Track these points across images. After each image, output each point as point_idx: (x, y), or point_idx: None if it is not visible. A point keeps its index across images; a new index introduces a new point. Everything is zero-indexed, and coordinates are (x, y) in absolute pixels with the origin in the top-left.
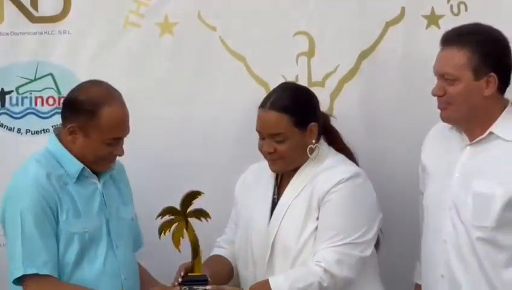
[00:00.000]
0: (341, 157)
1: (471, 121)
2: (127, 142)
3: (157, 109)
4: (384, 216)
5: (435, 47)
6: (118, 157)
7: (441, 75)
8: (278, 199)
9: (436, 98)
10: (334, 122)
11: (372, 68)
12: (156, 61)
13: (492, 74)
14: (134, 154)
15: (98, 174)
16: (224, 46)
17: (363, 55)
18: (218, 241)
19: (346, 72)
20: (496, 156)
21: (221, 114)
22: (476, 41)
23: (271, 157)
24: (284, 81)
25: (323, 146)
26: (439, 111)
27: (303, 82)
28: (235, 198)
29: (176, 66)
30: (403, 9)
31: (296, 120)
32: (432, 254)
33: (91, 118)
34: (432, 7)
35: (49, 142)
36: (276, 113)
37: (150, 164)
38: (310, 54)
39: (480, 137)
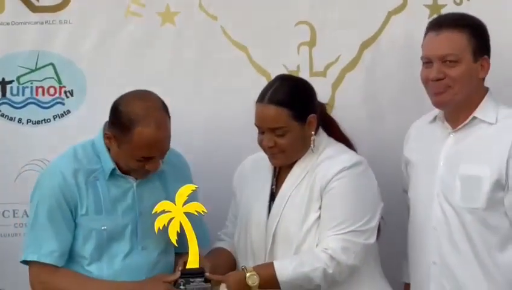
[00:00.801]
0: (341, 146)
1: (461, 106)
2: None
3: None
4: (384, 206)
5: None
6: (182, 153)
7: (441, 58)
8: (277, 190)
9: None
10: (335, 112)
11: (374, 58)
12: (157, 50)
13: (486, 56)
14: None
15: None
16: (225, 36)
17: (365, 45)
18: (219, 234)
19: (348, 62)
20: (480, 139)
21: (222, 103)
22: (472, 25)
23: (271, 151)
24: (283, 72)
25: (322, 136)
26: None
27: (304, 72)
28: (233, 189)
29: (177, 56)
30: None
31: (295, 113)
32: (421, 243)
33: (124, 133)
34: None
35: (98, 134)
36: (275, 107)
37: None
38: (312, 43)
39: (464, 123)
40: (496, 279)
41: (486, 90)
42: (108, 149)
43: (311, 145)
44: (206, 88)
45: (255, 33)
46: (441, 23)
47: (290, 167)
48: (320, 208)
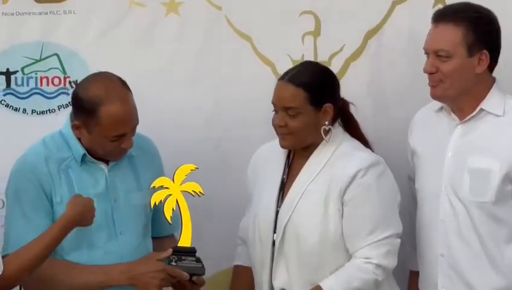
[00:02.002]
0: (357, 143)
1: (462, 99)
2: None
3: (163, 89)
4: None
5: None
6: (152, 140)
7: (434, 52)
8: (288, 180)
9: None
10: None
11: (378, 48)
12: (162, 41)
13: (484, 51)
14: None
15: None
16: (229, 26)
17: (370, 34)
18: (239, 236)
19: (353, 51)
20: (488, 132)
21: (226, 94)
22: (470, 19)
23: (281, 131)
24: (287, 62)
25: (338, 130)
26: None
27: None
28: (247, 182)
29: (182, 46)
30: None
31: (311, 97)
32: (429, 235)
33: (91, 117)
34: None
35: (65, 124)
36: (293, 87)
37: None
38: (316, 33)
39: (471, 114)
40: (504, 272)
41: (493, 81)
42: (79, 139)
43: (329, 135)
44: (210, 78)
45: (260, 23)
46: (439, 16)
47: (303, 156)
48: (340, 209)
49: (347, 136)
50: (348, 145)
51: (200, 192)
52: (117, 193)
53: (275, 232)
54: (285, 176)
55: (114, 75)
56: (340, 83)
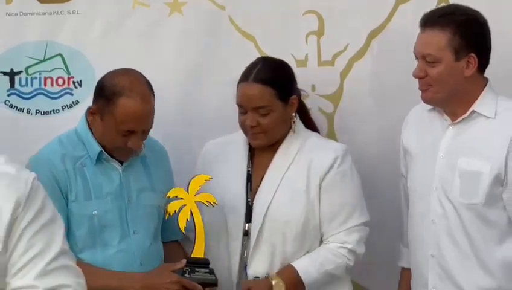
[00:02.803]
0: (316, 134)
1: (453, 102)
2: None
3: (166, 88)
4: (390, 192)
5: None
6: (161, 142)
7: (422, 57)
8: (255, 172)
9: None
10: (343, 101)
11: (382, 47)
12: (165, 41)
13: (472, 54)
14: None
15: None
16: (233, 26)
17: (373, 34)
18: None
19: (356, 51)
20: (480, 134)
21: (230, 93)
22: (456, 22)
23: (254, 131)
24: (291, 61)
25: (297, 119)
26: None
27: (313, 61)
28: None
29: (185, 46)
30: None
31: (279, 93)
32: (420, 235)
33: (108, 104)
34: None
35: (79, 122)
36: (260, 85)
37: (161, 137)
38: (320, 33)
39: (463, 116)
40: (493, 272)
41: (486, 82)
42: (92, 133)
43: (292, 127)
44: (213, 78)
45: (263, 23)
46: (426, 21)
47: (269, 150)
48: (318, 197)
49: (303, 127)
50: (315, 136)
51: (213, 202)
52: (130, 192)
53: (247, 221)
54: (249, 169)
55: (144, 77)
56: (344, 82)
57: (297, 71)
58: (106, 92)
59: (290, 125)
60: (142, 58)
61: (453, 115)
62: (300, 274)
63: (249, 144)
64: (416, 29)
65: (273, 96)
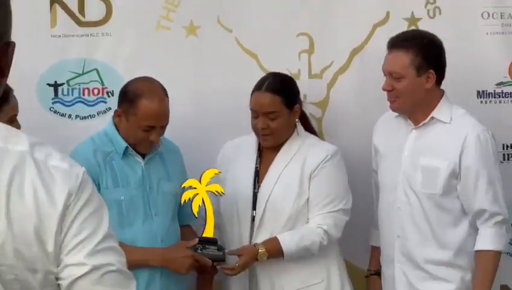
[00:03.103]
0: (316, 137)
1: (415, 110)
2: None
3: (184, 97)
4: (368, 184)
5: None
6: (179, 143)
7: (390, 74)
8: (262, 168)
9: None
10: (329, 108)
11: (362, 63)
12: (183, 58)
13: (431, 70)
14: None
15: (144, 154)
16: (239, 45)
17: (355, 52)
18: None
19: (340, 66)
20: (438, 136)
21: (236, 102)
22: (418, 45)
23: (264, 132)
24: (287, 74)
25: (299, 125)
26: None
27: (304, 75)
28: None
29: (200, 62)
30: (387, 14)
31: (286, 101)
32: (389, 220)
33: (131, 106)
34: (412, 11)
35: (108, 124)
36: (271, 94)
37: (179, 139)
38: (310, 51)
39: (424, 122)
40: (448, 248)
41: (442, 93)
42: (117, 131)
43: (296, 131)
44: (223, 88)
45: (264, 43)
46: (392, 44)
47: (274, 150)
48: (308, 188)
49: (304, 131)
50: (312, 139)
51: (221, 192)
52: (151, 181)
53: (254, 209)
54: (258, 165)
55: (159, 83)
56: (330, 92)
57: None
58: (129, 95)
59: (293, 130)
60: (164, 72)
61: (416, 121)
62: (282, 245)
63: (259, 143)
64: None
65: (281, 104)
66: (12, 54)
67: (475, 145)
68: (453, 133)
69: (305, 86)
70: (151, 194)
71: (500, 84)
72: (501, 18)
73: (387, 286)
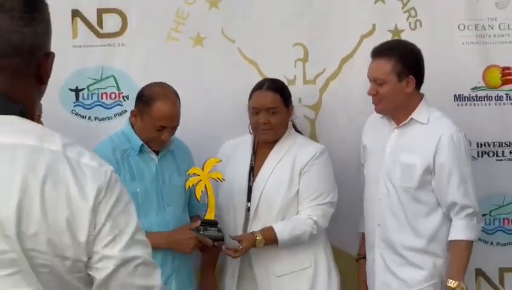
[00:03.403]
0: (304, 136)
1: (397, 111)
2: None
3: (192, 100)
4: (357, 178)
5: None
6: (183, 139)
7: (374, 79)
8: (257, 164)
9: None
10: (322, 111)
11: (351, 70)
12: (191, 65)
13: (411, 76)
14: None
15: (157, 151)
16: (241, 54)
17: (344, 60)
18: None
19: (331, 73)
20: (415, 135)
21: (238, 105)
22: (398, 53)
23: (264, 127)
24: (285, 80)
25: (290, 125)
26: None
27: (299, 81)
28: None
29: (205, 70)
30: (374, 26)
31: (284, 99)
32: (371, 210)
33: (147, 107)
34: (396, 24)
35: (125, 124)
36: (272, 92)
37: (187, 136)
38: (305, 59)
39: (404, 122)
40: (422, 236)
41: (422, 96)
42: (133, 129)
43: (289, 128)
44: (226, 93)
45: (263, 52)
46: (375, 52)
47: (267, 147)
48: (298, 183)
49: (294, 131)
50: (302, 138)
51: (221, 179)
52: (164, 176)
53: (248, 201)
54: (253, 162)
55: (172, 88)
56: (323, 96)
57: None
58: (145, 98)
59: (287, 128)
60: (173, 78)
61: (398, 121)
62: (276, 234)
63: (254, 143)
64: None
65: (280, 102)
66: (52, 63)
67: (448, 144)
68: (430, 133)
69: (300, 91)
70: (164, 188)
71: (474, 88)
72: (475, 29)
73: (369, 268)
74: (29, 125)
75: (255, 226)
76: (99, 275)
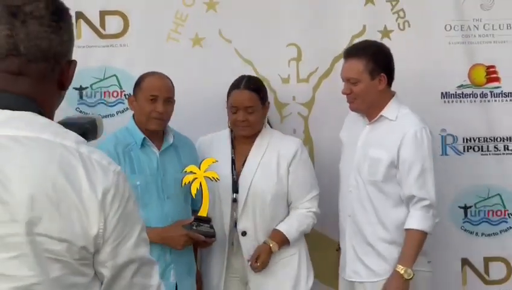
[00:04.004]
0: (277, 131)
1: (370, 109)
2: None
3: (191, 97)
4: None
5: None
6: (190, 138)
7: (347, 79)
8: (238, 157)
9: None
10: (315, 108)
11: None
12: (190, 65)
13: (382, 74)
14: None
15: (159, 146)
16: (237, 54)
17: (336, 59)
18: None
19: (324, 71)
20: (383, 131)
21: None
22: (369, 53)
23: (243, 124)
24: (278, 79)
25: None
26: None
27: (293, 79)
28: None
29: (204, 69)
30: (364, 26)
31: (260, 98)
32: (343, 202)
33: (138, 87)
34: (385, 24)
35: (129, 120)
36: (249, 91)
37: (186, 132)
38: (298, 59)
39: (375, 119)
40: (389, 227)
41: (393, 94)
42: (136, 124)
43: (265, 124)
44: (224, 90)
45: (258, 52)
46: (347, 53)
47: (246, 142)
48: (286, 176)
49: (268, 126)
50: (276, 133)
51: (217, 178)
52: (165, 169)
53: (234, 192)
54: (233, 155)
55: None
56: (315, 94)
57: (282, 86)
58: (137, 81)
59: (263, 123)
60: (173, 77)
61: (370, 118)
62: (287, 236)
63: (231, 138)
64: None
65: (257, 100)
66: (74, 71)
67: (411, 140)
68: (396, 129)
69: (293, 89)
70: (165, 181)
71: (460, 86)
72: (461, 30)
73: (342, 257)
74: (45, 121)
75: (245, 218)
76: (106, 273)
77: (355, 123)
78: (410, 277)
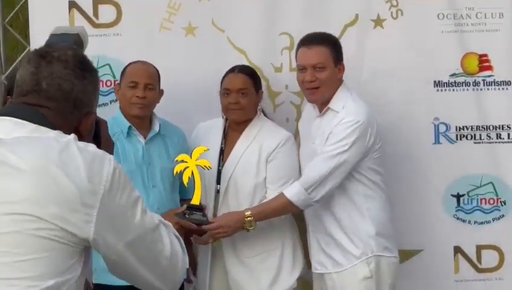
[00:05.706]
0: (272, 122)
1: (326, 100)
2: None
3: (184, 86)
4: None
5: (379, 42)
6: (181, 128)
7: (313, 66)
8: (226, 147)
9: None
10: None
11: None
12: (183, 54)
13: (342, 62)
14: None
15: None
16: (230, 43)
17: None
18: None
19: None
20: (326, 125)
21: None
22: (331, 42)
23: (235, 107)
24: (271, 69)
25: (260, 109)
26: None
27: (286, 68)
28: (188, 145)
29: (197, 58)
30: (356, 16)
31: (254, 83)
32: None
33: (122, 74)
34: (378, 13)
35: (117, 111)
36: (244, 75)
37: (177, 121)
38: (291, 48)
39: (324, 110)
40: (341, 216)
41: (341, 83)
42: (122, 113)
43: (258, 113)
44: (217, 79)
45: (252, 41)
46: (310, 40)
47: (237, 131)
48: (266, 168)
49: (263, 116)
50: (270, 123)
51: (208, 166)
52: (151, 158)
53: (218, 183)
54: (223, 145)
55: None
56: None
57: (275, 75)
58: (123, 69)
59: (256, 112)
60: (166, 67)
61: (320, 109)
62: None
63: (224, 127)
64: (359, 45)
65: (251, 84)
66: (92, 123)
67: (339, 131)
68: (334, 121)
69: (286, 78)
70: (150, 169)
71: (453, 75)
72: (454, 18)
73: (309, 250)
74: (49, 129)
75: (224, 209)
76: (110, 257)
77: (309, 115)
78: (251, 228)
